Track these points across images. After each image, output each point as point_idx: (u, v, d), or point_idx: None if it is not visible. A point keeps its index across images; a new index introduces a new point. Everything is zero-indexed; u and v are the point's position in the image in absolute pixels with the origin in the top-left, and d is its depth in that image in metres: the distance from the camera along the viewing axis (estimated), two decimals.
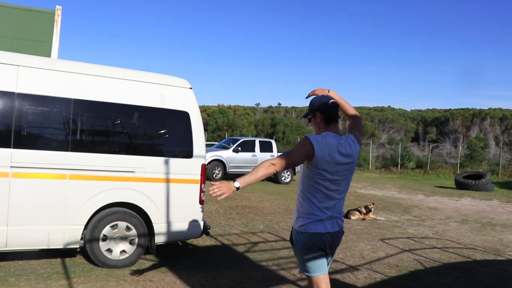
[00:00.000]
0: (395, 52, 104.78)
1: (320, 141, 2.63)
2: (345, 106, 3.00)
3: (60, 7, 8.53)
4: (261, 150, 15.60)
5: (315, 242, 2.67)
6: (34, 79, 4.30)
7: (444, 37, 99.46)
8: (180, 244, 5.49)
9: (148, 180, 4.73)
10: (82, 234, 4.49)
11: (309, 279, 2.75)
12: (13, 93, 4.17)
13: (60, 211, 4.34)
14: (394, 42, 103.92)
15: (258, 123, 40.88)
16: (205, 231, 5.16)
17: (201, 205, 5.03)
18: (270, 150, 15.72)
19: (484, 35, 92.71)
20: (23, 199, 4.19)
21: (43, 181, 4.28)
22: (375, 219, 8.99)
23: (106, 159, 4.55)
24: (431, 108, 67.53)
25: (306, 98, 3.07)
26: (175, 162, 4.88)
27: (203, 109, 46.09)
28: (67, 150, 4.38)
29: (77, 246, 4.53)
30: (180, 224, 4.93)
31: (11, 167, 4.13)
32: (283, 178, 15.55)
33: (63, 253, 4.89)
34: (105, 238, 4.60)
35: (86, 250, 4.55)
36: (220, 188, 2.48)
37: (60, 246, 4.40)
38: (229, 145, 15.74)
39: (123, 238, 4.69)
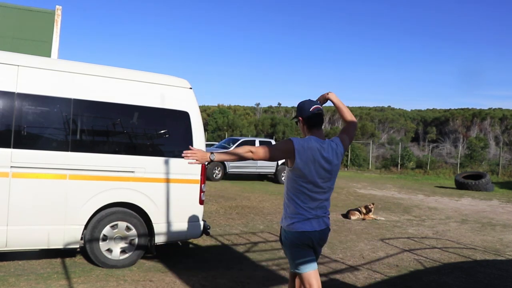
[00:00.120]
0: (395, 52, 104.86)
1: (301, 144, 2.72)
2: (342, 110, 3.08)
3: (60, 7, 8.53)
4: None
5: (304, 240, 2.75)
6: (34, 79, 4.30)
7: (444, 37, 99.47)
8: (180, 244, 5.49)
9: (148, 180, 4.73)
10: (82, 234, 4.49)
11: (300, 276, 2.82)
12: (13, 93, 4.17)
13: (60, 211, 4.34)
14: (394, 42, 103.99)
15: (258, 123, 40.89)
16: (205, 231, 5.16)
17: (201, 205, 5.03)
18: None
19: (484, 35, 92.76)
20: (23, 199, 4.19)
21: (43, 181, 4.28)
22: (375, 219, 8.99)
23: (106, 159, 4.55)
24: (431, 108, 67.64)
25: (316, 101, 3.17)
26: (175, 162, 4.88)
27: (203, 109, 46.10)
28: (67, 150, 4.38)
29: (77, 246, 4.53)
30: (180, 224, 4.93)
31: (11, 167, 4.13)
32: (283, 178, 15.55)
33: (63, 253, 4.89)
34: (105, 238, 4.60)
35: (86, 250, 4.55)
36: (195, 154, 2.58)
37: (60, 246, 4.40)
38: (229, 145, 15.74)
39: (123, 238, 4.69)
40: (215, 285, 4.36)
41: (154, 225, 4.75)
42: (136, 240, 4.72)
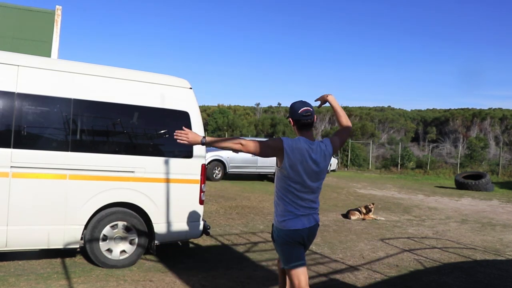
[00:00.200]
0: (395, 52, 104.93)
1: (290, 144, 2.78)
2: (339, 114, 3.17)
3: (60, 7, 8.53)
4: None
5: (295, 238, 2.84)
6: (34, 79, 4.30)
7: (444, 37, 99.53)
8: (180, 244, 5.49)
9: (148, 180, 4.73)
10: (82, 234, 4.49)
11: (289, 272, 2.88)
12: (13, 93, 4.17)
13: (60, 211, 4.34)
14: (394, 42, 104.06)
15: (258, 123, 40.90)
16: (205, 231, 5.16)
17: (201, 205, 5.03)
18: None
19: (484, 35, 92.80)
20: (23, 199, 4.19)
21: (43, 181, 4.28)
22: (375, 219, 8.99)
23: (106, 159, 4.55)
24: (431, 108, 67.68)
25: (316, 101, 3.27)
26: (175, 162, 4.88)
27: (203, 109, 46.11)
28: (67, 150, 4.38)
29: (77, 246, 4.53)
30: (180, 224, 4.93)
31: (11, 167, 4.13)
32: None
33: (63, 253, 4.89)
34: (105, 238, 4.60)
35: (86, 250, 4.55)
36: (186, 135, 2.69)
37: (60, 246, 4.40)
38: None
39: (123, 238, 4.69)
40: (215, 285, 4.36)
41: (154, 225, 4.75)
42: (136, 240, 4.72)
